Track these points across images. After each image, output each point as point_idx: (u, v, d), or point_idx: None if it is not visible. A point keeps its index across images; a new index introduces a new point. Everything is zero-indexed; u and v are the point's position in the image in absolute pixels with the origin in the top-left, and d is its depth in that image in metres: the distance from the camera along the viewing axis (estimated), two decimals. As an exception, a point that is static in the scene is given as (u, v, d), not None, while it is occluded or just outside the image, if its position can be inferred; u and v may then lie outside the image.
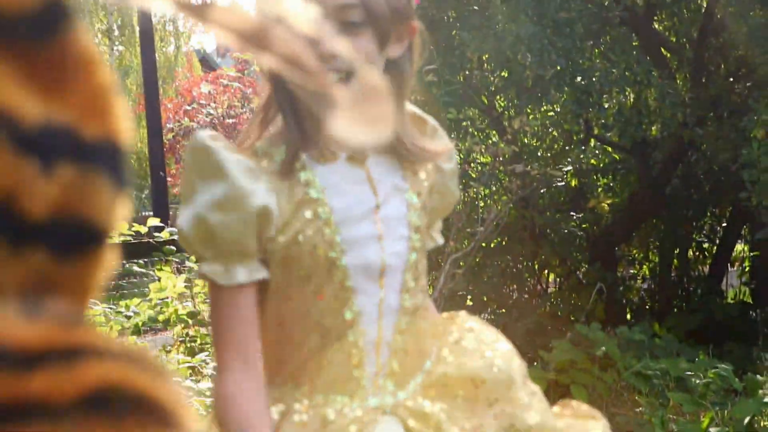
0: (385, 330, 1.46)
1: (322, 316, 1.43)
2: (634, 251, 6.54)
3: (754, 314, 6.01)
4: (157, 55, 16.59)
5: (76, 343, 0.49)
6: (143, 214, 16.44)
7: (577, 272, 5.93)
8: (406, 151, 1.50)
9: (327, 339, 1.43)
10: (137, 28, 18.26)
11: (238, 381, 1.37)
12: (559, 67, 4.72)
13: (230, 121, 11.03)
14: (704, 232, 6.43)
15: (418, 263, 1.50)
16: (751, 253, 6.43)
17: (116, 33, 21.81)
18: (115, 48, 21.65)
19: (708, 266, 6.41)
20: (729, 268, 6.66)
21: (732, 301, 6.34)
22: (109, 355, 0.49)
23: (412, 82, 1.50)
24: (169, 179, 15.09)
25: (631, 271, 6.45)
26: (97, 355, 0.49)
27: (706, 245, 6.47)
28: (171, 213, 15.16)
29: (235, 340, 1.39)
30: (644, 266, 6.50)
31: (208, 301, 5.95)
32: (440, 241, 1.65)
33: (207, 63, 23.33)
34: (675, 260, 6.27)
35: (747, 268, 6.57)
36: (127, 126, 0.54)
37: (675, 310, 6.03)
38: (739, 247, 6.77)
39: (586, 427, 1.62)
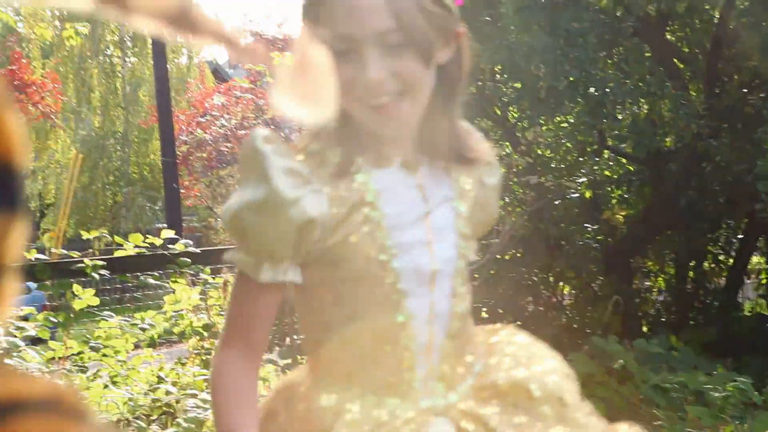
0: (436, 334, 1.48)
1: (374, 319, 1.45)
2: (650, 263, 6.52)
3: (771, 326, 5.99)
4: (169, 66, 16.65)
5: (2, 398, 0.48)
6: (156, 226, 16.47)
7: (593, 284, 5.92)
8: (459, 155, 1.53)
9: (379, 341, 1.46)
10: (149, 40, 18.32)
11: (234, 358, 1.43)
12: (572, 78, 4.72)
13: (243, 132, 11.02)
14: (720, 243, 6.40)
15: (464, 270, 1.53)
16: (768, 265, 6.41)
17: (129, 44, 21.88)
18: (127, 59, 21.71)
19: (724, 278, 6.38)
20: (745, 281, 6.63)
21: (749, 314, 6.32)
22: (32, 407, 0.48)
23: (464, 85, 1.51)
24: (182, 191, 15.12)
25: (647, 283, 6.43)
26: (21, 409, 0.48)
27: (721, 257, 6.44)
28: (184, 225, 15.19)
29: (244, 327, 1.45)
30: (660, 278, 6.48)
31: (223, 313, 5.94)
32: (473, 259, 1.61)
33: (219, 74, 23.37)
34: (691, 272, 6.25)
35: (763, 280, 6.54)
36: (17, 144, 0.50)
37: (691, 322, 6.00)
38: (755, 259, 6.74)
39: None
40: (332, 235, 1.42)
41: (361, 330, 1.46)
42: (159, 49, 14.84)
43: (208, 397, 4.74)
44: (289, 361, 4.49)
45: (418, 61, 1.39)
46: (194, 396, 4.79)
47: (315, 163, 1.44)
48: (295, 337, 4.72)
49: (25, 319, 5.31)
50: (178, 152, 14.24)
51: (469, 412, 1.48)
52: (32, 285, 11.77)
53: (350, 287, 1.45)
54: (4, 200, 0.49)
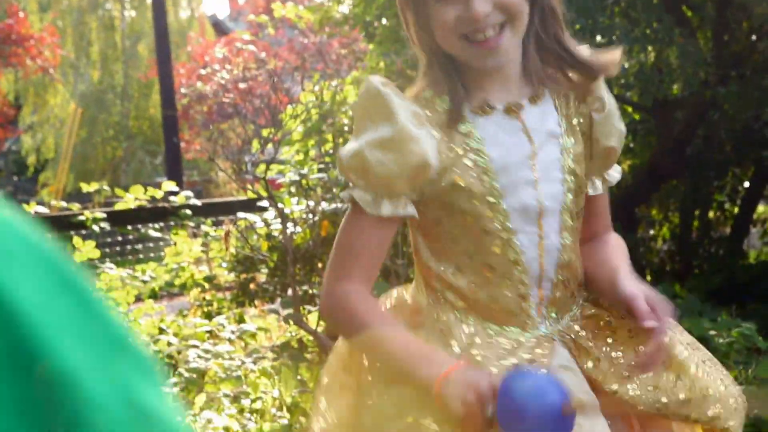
0: (547, 267, 1.57)
1: (488, 256, 1.55)
2: (654, 212, 6.50)
3: (776, 275, 5.98)
4: (169, 20, 16.52)
5: None
6: (156, 180, 16.45)
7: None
8: (574, 64, 1.59)
9: (495, 275, 1.55)
10: (148, -7, 18.18)
11: (357, 287, 1.53)
12: (578, 26, 4.66)
13: (243, 85, 10.90)
14: (726, 192, 6.37)
15: (575, 204, 1.60)
16: (775, 214, 6.39)
17: (127, -2, 21.72)
18: (126, 13, 21.56)
19: (729, 227, 6.37)
20: (751, 229, 6.61)
21: (754, 262, 6.31)
22: None
23: (560, 11, 1.59)
24: (182, 145, 15.07)
25: (651, 232, 6.41)
26: None
27: (727, 206, 6.43)
28: (184, 179, 15.17)
29: (363, 258, 1.55)
30: (664, 227, 6.46)
31: (224, 265, 5.91)
32: (616, 177, 1.74)
33: (220, 28, 23.23)
34: (695, 221, 6.24)
35: (769, 229, 6.53)
36: None
37: (696, 271, 6.01)
38: (761, 208, 6.72)
39: None
40: (442, 179, 1.52)
41: (477, 265, 1.56)
42: (158, 2, 14.72)
43: (210, 347, 4.76)
44: (291, 310, 4.48)
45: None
46: (195, 347, 4.79)
47: (428, 109, 1.54)
48: (297, 288, 4.71)
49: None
50: (178, 106, 14.16)
51: (578, 342, 1.58)
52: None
53: (464, 227, 1.55)
54: None
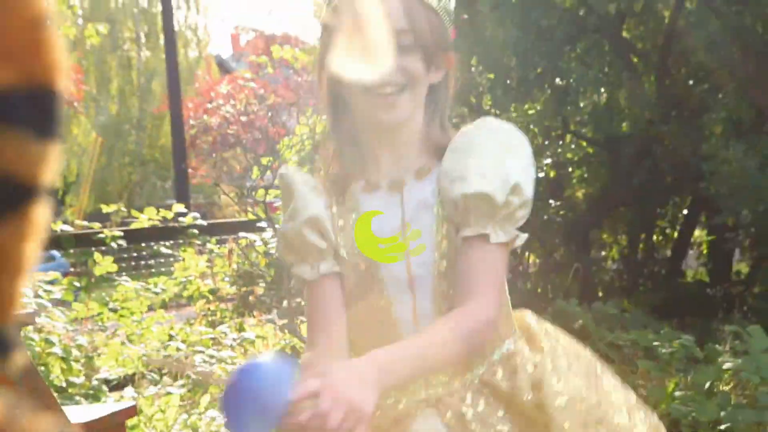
0: None
1: (372, 319, 1.48)
2: (604, 235, 6.51)
3: (711, 291, 5.99)
4: (179, 59, 16.50)
5: None
6: (167, 202, 16.38)
7: (555, 254, 5.90)
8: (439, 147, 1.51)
9: (373, 337, 1.43)
10: (162, 36, 18.16)
11: (319, 352, 1.41)
12: (540, 69, 4.69)
13: (244, 119, 10.89)
14: (667, 218, 6.39)
15: (450, 270, 1.44)
16: (708, 237, 6.41)
17: (143, 40, 21.70)
18: (142, 53, 21.53)
19: (670, 249, 6.38)
20: (688, 251, 6.64)
21: (691, 280, 6.32)
22: None
23: (448, 106, 1.54)
24: (190, 170, 15.01)
25: (602, 253, 6.42)
26: None
27: (668, 230, 6.44)
28: (191, 201, 15.10)
29: (321, 321, 1.48)
30: (613, 249, 6.47)
31: (227, 279, 5.87)
32: (484, 231, 1.43)
33: (224, 66, 23.20)
34: (641, 244, 6.25)
35: (704, 251, 6.55)
36: (59, 65, 0.43)
37: (641, 288, 6.00)
38: (697, 232, 6.74)
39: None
40: (338, 245, 1.49)
41: (364, 325, 1.48)
42: (170, 44, 14.71)
43: (214, 353, 4.73)
44: (287, 321, 4.46)
45: (421, 62, 1.43)
46: (201, 352, 4.76)
47: (329, 185, 1.53)
48: (291, 300, 4.69)
49: (52, 283, 5.26)
50: (186, 136, 14.13)
51: (456, 408, 1.44)
52: (56, 254, 11.70)
53: (351, 290, 1.48)
54: (36, 127, 0.42)
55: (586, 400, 1.46)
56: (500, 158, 1.44)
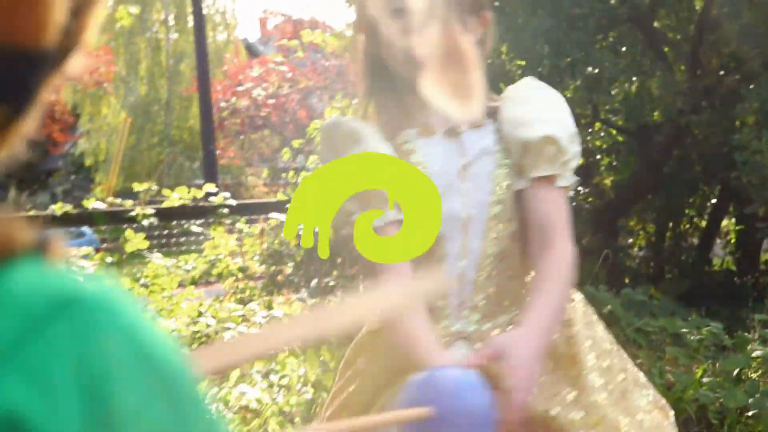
0: (467, 270, 1.50)
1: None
2: (632, 223, 6.48)
3: (738, 280, 5.96)
4: (208, 42, 16.53)
5: None
6: (194, 182, 16.43)
7: (583, 241, 5.88)
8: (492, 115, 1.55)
9: (421, 271, 1.48)
10: (190, 18, 18.19)
11: (388, 289, 1.42)
12: (571, 58, 4.65)
13: (271, 101, 10.92)
14: (695, 207, 6.35)
15: (503, 214, 1.51)
16: (737, 227, 6.36)
17: (172, 23, 21.74)
18: (171, 36, 21.58)
19: (698, 238, 6.34)
20: (716, 240, 6.59)
21: (718, 269, 6.28)
22: None
23: (484, 64, 1.52)
24: (217, 152, 15.07)
25: (630, 240, 6.39)
26: None
27: (696, 219, 6.40)
28: (218, 182, 15.14)
29: (392, 269, 1.47)
30: (641, 236, 6.44)
31: (256, 257, 5.89)
32: (553, 172, 1.50)
33: (251, 50, 23.22)
34: (668, 232, 6.21)
35: (732, 240, 6.50)
36: (44, 25, 0.40)
37: (667, 275, 5.98)
38: (725, 222, 6.69)
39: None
40: None
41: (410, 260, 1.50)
42: (200, 27, 14.73)
43: (243, 329, 4.76)
44: (317, 299, 4.49)
45: (458, 25, 1.44)
46: (230, 329, 4.79)
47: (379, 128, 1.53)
48: (321, 280, 4.71)
49: (85, 258, 5.30)
50: (214, 118, 14.16)
51: (487, 336, 1.48)
52: (87, 230, 11.75)
53: None
54: (7, 91, 0.40)
55: (611, 351, 1.55)
56: (557, 108, 1.54)
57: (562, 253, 1.45)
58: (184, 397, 0.49)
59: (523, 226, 1.52)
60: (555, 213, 1.48)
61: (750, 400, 3.28)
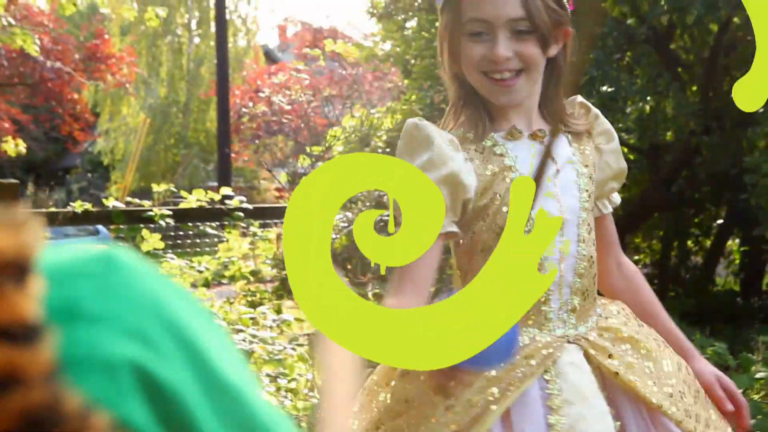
0: (566, 272, 1.53)
1: None
2: (638, 240, 6.45)
3: (741, 301, 5.92)
4: (228, 47, 16.57)
5: None
6: (208, 184, 16.47)
7: (590, 256, 5.85)
8: (569, 127, 1.61)
9: None
10: (213, 23, 18.26)
11: (405, 301, 1.40)
12: (588, 76, 4.63)
13: (288, 107, 10.89)
14: (702, 227, 6.32)
15: (589, 221, 1.58)
16: (742, 248, 6.32)
17: (194, 27, 21.83)
18: (193, 40, 21.66)
19: (702, 257, 6.31)
20: (720, 260, 6.56)
21: (722, 289, 6.24)
22: None
23: (566, 74, 1.59)
24: (232, 155, 15.09)
25: (635, 257, 6.36)
26: None
27: (701, 238, 6.37)
28: (232, 185, 15.16)
29: (414, 275, 1.44)
30: (647, 254, 6.41)
31: (268, 261, 5.90)
32: (617, 200, 1.73)
33: (270, 57, 23.28)
34: (674, 250, 6.18)
35: (737, 261, 6.47)
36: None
37: (671, 293, 5.95)
38: (729, 243, 6.66)
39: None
40: (483, 197, 1.50)
41: None
42: (221, 32, 14.78)
43: (255, 332, 4.74)
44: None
45: (537, 46, 1.48)
46: (241, 331, 4.78)
47: (462, 137, 1.54)
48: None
49: (101, 255, 5.29)
50: (231, 121, 14.18)
51: (595, 342, 1.52)
52: (101, 228, 11.75)
53: (495, 236, 1.48)
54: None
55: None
56: None
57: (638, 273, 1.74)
58: (226, 338, 0.55)
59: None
60: (615, 232, 1.74)
61: (753, 422, 3.25)
